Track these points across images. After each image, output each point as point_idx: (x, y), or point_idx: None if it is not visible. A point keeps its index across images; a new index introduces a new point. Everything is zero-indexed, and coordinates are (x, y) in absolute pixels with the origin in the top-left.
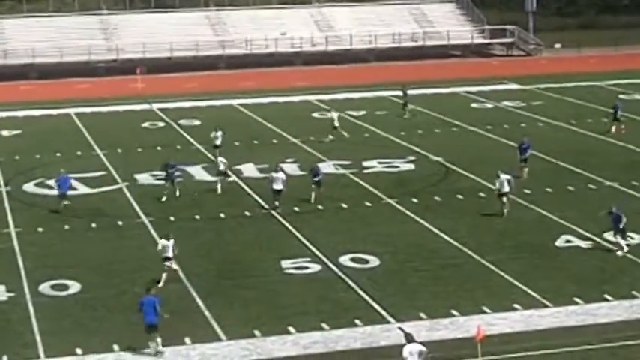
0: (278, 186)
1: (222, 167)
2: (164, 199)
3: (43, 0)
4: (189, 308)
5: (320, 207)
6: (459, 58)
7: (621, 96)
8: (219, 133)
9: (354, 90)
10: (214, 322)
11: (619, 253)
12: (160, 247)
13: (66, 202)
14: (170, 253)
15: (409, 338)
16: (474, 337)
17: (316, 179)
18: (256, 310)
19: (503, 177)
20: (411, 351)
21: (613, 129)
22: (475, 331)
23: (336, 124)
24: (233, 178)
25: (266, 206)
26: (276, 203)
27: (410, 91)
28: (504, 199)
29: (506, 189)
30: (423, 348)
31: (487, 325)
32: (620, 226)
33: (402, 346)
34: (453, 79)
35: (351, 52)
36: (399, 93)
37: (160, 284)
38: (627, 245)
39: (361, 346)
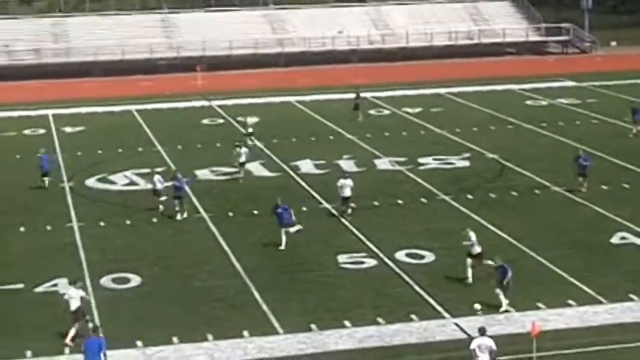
0: (346, 193)
1: (243, 158)
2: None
3: None
4: (247, 302)
5: (376, 203)
6: (514, 55)
7: None
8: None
9: (410, 87)
10: (272, 316)
11: None
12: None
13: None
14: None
15: (481, 332)
16: (529, 332)
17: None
18: (313, 304)
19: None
20: (479, 345)
21: (635, 130)
22: (530, 326)
23: (250, 130)
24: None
25: (323, 202)
26: (344, 209)
27: (363, 94)
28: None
29: (477, 249)
30: (494, 346)
31: (542, 322)
32: None
33: (457, 341)
34: (508, 77)
35: (407, 50)
36: (353, 95)
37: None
38: None
39: (416, 340)
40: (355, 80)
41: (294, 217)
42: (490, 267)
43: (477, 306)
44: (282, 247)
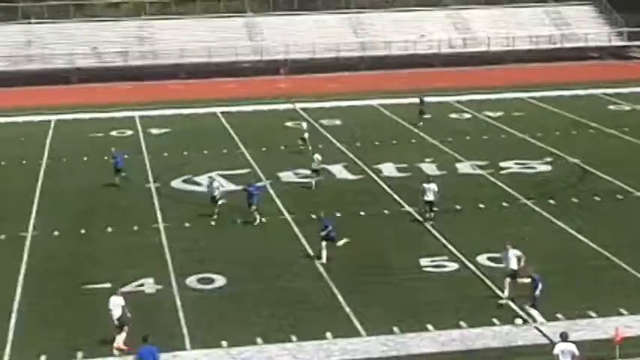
0: (430, 197)
1: (315, 164)
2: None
3: (191, 2)
4: (330, 304)
5: (457, 206)
6: (596, 60)
7: None
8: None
9: (492, 91)
10: (354, 318)
11: None
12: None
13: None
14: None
15: (564, 337)
16: (612, 338)
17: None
18: (395, 307)
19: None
20: (562, 350)
21: None
22: (613, 332)
23: (306, 135)
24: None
25: (405, 205)
26: (427, 215)
27: (427, 99)
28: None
29: (514, 266)
30: (576, 351)
31: (625, 328)
32: None
33: (538, 346)
34: (591, 81)
35: (488, 54)
36: (417, 101)
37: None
38: None
39: (499, 345)
40: (437, 84)
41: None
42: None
43: (519, 320)
44: (323, 260)
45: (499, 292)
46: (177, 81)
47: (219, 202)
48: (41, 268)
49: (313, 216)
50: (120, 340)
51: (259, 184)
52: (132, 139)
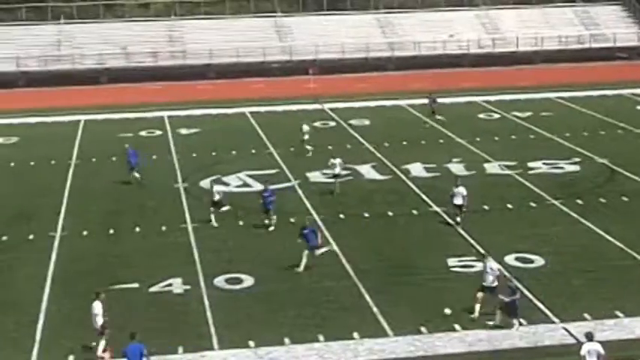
0: (458, 201)
1: (337, 169)
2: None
3: (221, 3)
4: (358, 304)
5: (485, 207)
6: (625, 60)
7: None
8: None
9: (520, 91)
10: (382, 318)
11: None
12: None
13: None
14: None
15: (589, 337)
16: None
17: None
18: (423, 307)
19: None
20: (589, 350)
21: None
22: None
23: (306, 137)
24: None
25: (433, 205)
26: (457, 219)
27: (440, 100)
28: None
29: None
30: (602, 351)
31: None
32: None
33: (566, 346)
34: (619, 82)
35: (517, 54)
36: (426, 101)
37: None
38: None
39: (526, 345)
40: (465, 84)
41: (319, 240)
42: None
43: (447, 311)
44: (301, 269)
45: (524, 294)
46: (206, 81)
47: (224, 209)
48: (69, 269)
49: (341, 216)
50: (100, 348)
51: (282, 185)
52: (161, 139)
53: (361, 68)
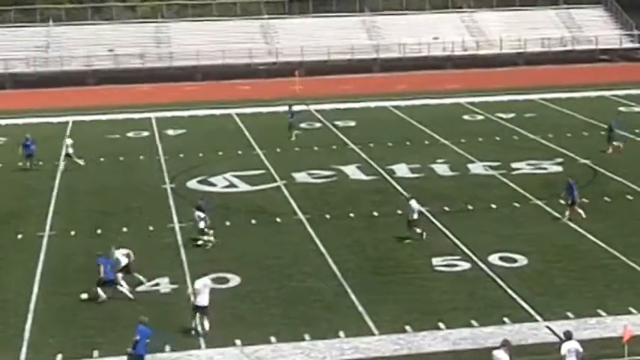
0: (414, 216)
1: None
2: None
3: (208, 5)
4: (343, 303)
5: (469, 207)
6: (607, 62)
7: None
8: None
9: (504, 93)
10: (367, 317)
11: None
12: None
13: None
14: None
15: (568, 336)
16: (622, 337)
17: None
18: (408, 306)
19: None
20: (569, 349)
21: (610, 149)
22: (622, 331)
23: (70, 150)
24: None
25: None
26: (418, 230)
27: (296, 108)
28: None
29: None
30: (580, 348)
31: (634, 326)
32: None
33: (549, 344)
34: (602, 83)
35: (500, 56)
36: (286, 110)
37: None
38: None
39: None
40: (449, 85)
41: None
42: None
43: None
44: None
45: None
46: (193, 83)
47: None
48: (58, 268)
49: (327, 216)
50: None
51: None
52: (148, 140)
53: (346, 70)
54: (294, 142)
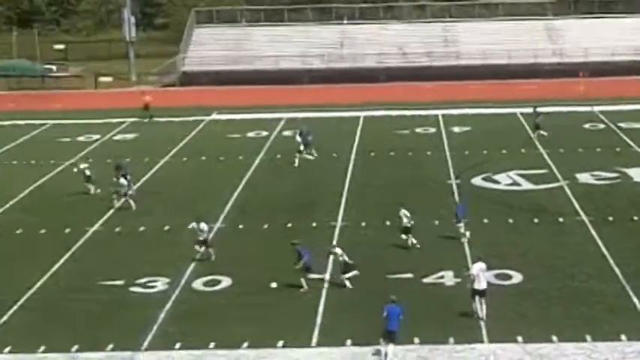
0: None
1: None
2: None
3: (494, 5)
4: (625, 306)
5: None
6: None
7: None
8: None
9: None
10: None
11: None
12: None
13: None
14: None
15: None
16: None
17: None
18: None
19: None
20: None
21: None
22: None
23: (87, 173)
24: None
25: None
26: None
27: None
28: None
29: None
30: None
31: None
32: None
33: None
34: None
35: None
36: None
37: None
38: None
39: None
40: None
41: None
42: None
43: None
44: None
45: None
46: (478, 81)
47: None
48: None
49: (610, 218)
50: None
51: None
52: (435, 136)
53: (633, 71)
54: (579, 142)
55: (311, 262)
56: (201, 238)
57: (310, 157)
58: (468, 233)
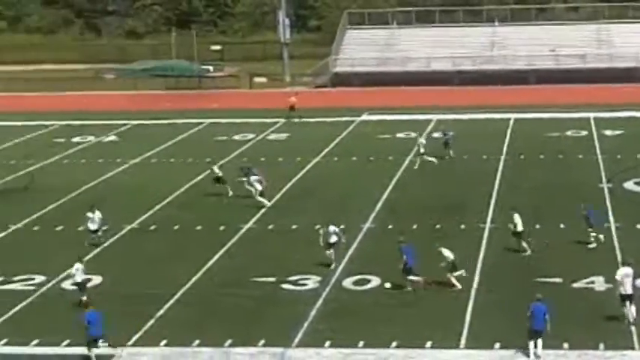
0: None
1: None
2: None
3: None
4: None
5: None
6: None
7: None
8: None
9: None
10: None
11: None
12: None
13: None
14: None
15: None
16: None
17: None
18: None
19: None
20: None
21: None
22: None
23: (220, 174)
24: None
25: None
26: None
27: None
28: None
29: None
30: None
31: None
32: None
33: None
34: None
35: None
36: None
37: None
38: None
39: None
40: None
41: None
42: None
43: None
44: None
45: None
46: (633, 84)
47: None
48: (497, 260)
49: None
50: None
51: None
52: (586, 139)
53: None
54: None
55: (413, 263)
56: (331, 241)
57: (433, 159)
58: (602, 237)
